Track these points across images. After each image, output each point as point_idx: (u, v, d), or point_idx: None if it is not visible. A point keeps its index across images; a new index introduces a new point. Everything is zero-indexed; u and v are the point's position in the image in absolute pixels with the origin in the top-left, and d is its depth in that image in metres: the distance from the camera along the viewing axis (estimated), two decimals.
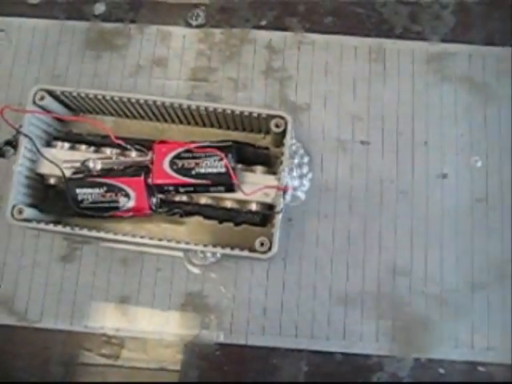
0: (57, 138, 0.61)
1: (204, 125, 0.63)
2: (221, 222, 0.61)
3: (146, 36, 0.68)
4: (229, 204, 0.58)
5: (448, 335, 0.60)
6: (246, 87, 0.66)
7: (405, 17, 0.68)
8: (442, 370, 0.59)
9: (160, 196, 0.57)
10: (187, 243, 0.57)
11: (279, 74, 0.66)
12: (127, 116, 0.64)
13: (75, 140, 0.61)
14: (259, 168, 0.58)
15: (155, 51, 0.67)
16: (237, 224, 0.60)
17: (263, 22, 0.68)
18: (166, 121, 0.64)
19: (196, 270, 0.61)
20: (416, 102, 0.65)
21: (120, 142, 0.57)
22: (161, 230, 0.62)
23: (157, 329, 0.60)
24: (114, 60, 0.67)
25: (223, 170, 0.55)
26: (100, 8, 0.69)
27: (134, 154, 0.58)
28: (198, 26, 0.68)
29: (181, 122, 0.63)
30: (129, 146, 0.58)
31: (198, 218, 0.61)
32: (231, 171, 0.54)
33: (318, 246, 0.62)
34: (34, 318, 0.61)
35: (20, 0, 0.70)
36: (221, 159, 0.55)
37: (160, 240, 0.57)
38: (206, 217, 0.60)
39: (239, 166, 0.58)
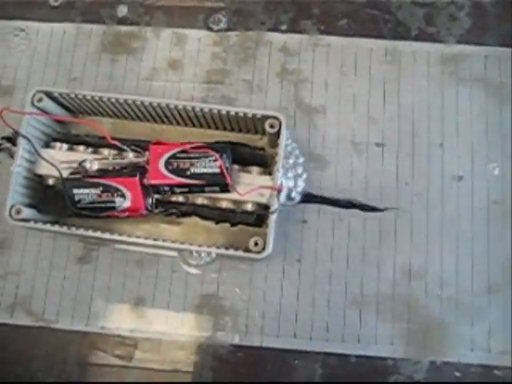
0: (55, 139, 0.62)
1: (201, 126, 0.63)
2: (217, 223, 0.61)
3: (162, 39, 0.68)
4: (224, 204, 0.58)
5: (464, 338, 0.59)
6: (261, 89, 0.66)
7: (420, 18, 0.67)
8: (457, 373, 0.59)
9: (156, 196, 0.58)
10: (182, 243, 0.57)
11: (294, 76, 0.66)
12: (125, 117, 0.64)
13: (74, 141, 0.61)
14: (255, 169, 0.58)
15: (171, 54, 0.68)
16: (233, 224, 0.61)
17: (278, 25, 0.68)
18: (163, 122, 0.64)
19: (192, 270, 0.62)
20: (431, 103, 0.65)
21: (116, 142, 0.57)
22: (158, 230, 0.62)
23: (171, 330, 0.61)
24: (129, 63, 0.68)
25: (218, 170, 0.55)
26: (123, 10, 0.69)
27: (130, 154, 0.58)
28: (219, 31, 0.68)
29: (178, 123, 0.64)
30: (125, 147, 0.58)
31: (194, 219, 0.61)
32: (225, 171, 0.55)
33: (333, 248, 0.62)
34: (51, 318, 0.61)
35: (41, 1, 0.70)
36: (215, 160, 0.55)
37: (155, 240, 0.57)
38: (203, 217, 0.60)
39: (235, 166, 0.58)
